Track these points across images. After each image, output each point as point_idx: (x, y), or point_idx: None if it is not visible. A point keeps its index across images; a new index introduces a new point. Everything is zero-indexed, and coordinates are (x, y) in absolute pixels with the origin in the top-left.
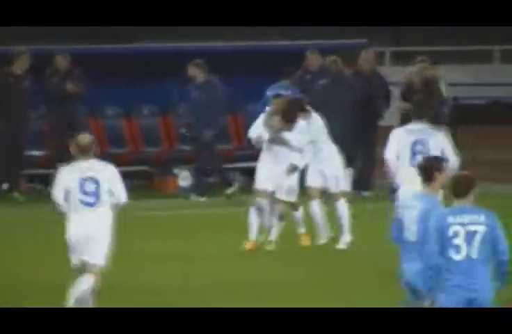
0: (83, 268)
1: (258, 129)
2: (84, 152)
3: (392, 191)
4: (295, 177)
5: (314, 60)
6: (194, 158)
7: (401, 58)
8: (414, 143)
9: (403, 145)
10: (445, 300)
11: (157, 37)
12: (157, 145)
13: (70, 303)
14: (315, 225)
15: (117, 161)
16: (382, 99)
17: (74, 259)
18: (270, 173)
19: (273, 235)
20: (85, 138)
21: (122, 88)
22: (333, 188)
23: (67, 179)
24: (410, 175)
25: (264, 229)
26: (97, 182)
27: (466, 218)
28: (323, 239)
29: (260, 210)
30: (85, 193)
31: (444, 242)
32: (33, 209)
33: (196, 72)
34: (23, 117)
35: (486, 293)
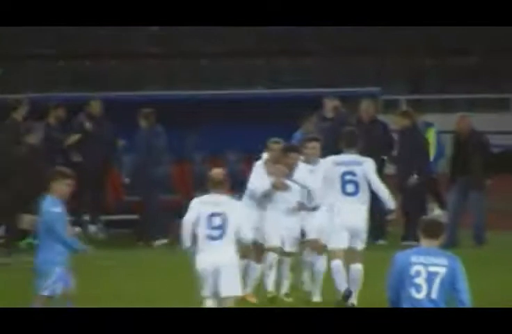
0: (214, 299)
1: (261, 181)
2: (215, 187)
3: (403, 238)
4: (298, 228)
5: (331, 107)
6: None
7: (417, 106)
8: (344, 174)
9: (333, 176)
10: None
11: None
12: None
13: None
14: (317, 282)
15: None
16: (385, 147)
17: (206, 291)
18: (277, 227)
19: (286, 288)
20: (217, 173)
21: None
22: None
23: (196, 212)
24: (341, 203)
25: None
26: (223, 217)
27: (429, 259)
28: (317, 297)
29: (271, 266)
30: (212, 227)
31: (406, 280)
32: None
33: None
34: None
35: None
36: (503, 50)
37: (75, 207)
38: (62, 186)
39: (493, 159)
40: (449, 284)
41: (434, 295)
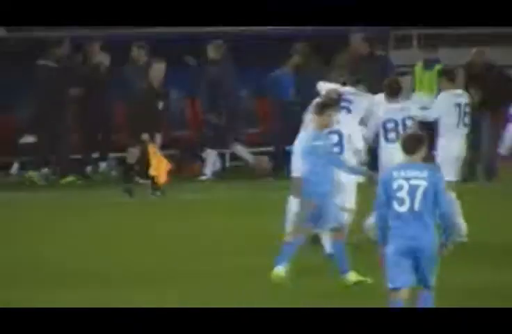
0: None
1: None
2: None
3: None
4: None
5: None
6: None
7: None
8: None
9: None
10: (391, 248)
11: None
12: (185, 128)
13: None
14: None
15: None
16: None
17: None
18: None
19: None
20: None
21: None
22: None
23: None
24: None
25: None
26: (340, 135)
27: (410, 173)
28: None
29: None
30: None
31: (390, 195)
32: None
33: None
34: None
35: (427, 244)
36: None
37: (85, 145)
38: (325, 118)
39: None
40: (431, 196)
41: (417, 207)
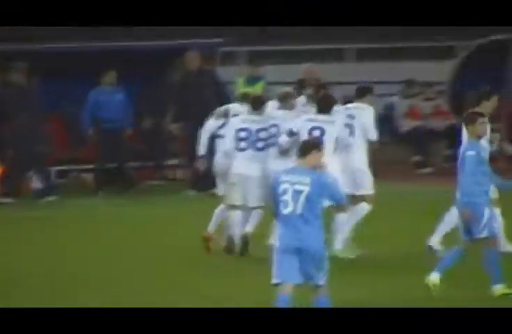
0: None
1: None
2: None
3: None
4: None
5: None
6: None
7: (259, 58)
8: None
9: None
10: (277, 247)
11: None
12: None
13: None
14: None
15: None
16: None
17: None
18: None
19: None
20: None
21: None
22: None
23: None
24: None
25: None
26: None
27: (295, 178)
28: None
29: None
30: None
31: (277, 197)
32: None
33: None
34: None
35: (312, 244)
36: None
37: None
38: (478, 126)
39: None
40: (316, 199)
41: (300, 210)
